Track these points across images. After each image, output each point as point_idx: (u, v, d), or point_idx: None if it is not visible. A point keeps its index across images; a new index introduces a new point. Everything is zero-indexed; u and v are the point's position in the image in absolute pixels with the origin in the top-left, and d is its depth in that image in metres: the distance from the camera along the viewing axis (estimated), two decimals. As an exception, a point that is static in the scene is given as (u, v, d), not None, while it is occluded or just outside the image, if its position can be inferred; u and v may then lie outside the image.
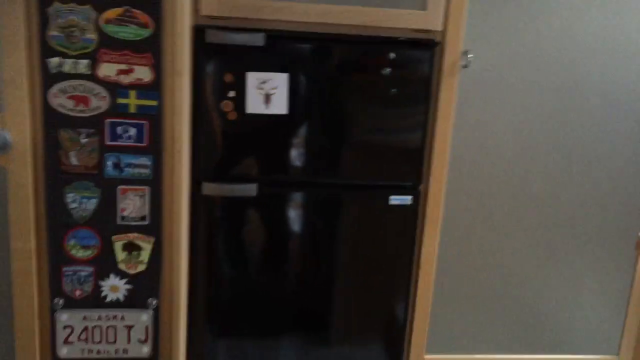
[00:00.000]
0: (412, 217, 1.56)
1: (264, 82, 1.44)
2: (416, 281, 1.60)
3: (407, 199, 1.54)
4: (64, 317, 1.41)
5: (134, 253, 1.40)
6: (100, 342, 1.44)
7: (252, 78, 1.43)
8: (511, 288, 1.91)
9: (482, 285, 1.87)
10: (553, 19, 1.70)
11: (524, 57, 1.72)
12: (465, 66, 1.49)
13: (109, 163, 1.35)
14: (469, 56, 1.48)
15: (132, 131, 1.35)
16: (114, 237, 1.39)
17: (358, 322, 1.64)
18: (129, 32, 1.30)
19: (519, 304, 1.93)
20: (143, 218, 1.39)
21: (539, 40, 1.71)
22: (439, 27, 1.45)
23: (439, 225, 1.56)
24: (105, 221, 1.38)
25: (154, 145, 1.36)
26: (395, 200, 1.54)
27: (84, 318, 1.42)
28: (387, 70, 1.47)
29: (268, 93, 1.44)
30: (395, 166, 1.53)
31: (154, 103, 1.34)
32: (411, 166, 1.53)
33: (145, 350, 1.46)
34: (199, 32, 1.39)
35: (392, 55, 1.46)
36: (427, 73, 1.48)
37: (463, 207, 1.78)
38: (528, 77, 1.73)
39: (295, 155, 1.50)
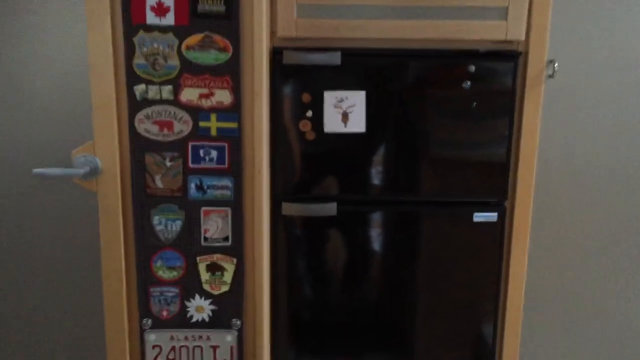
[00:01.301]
0: (498, 235, 1.50)
1: (341, 101, 1.43)
2: (504, 301, 1.54)
3: (492, 216, 1.48)
4: (152, 337, 1.45)
5: (217, 274, 1.42)
6: (187, 362, 1.46)
7: (330, 97, 1.43)
8: (605, 308, 1.80)
9: (575, 305, 1.78)
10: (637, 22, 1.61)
11: (609, 63, 1.63)
12: (551, 76, 1.42)
13: (192, 185, 1.38)
14: (555, 66, 1.42)
15: (214, 153, 1.37)
16: (198, 258, 1.42)
17: (443, 343, 1.59)
18: (209, 57, 1.32)
19: (614, 325, 1.82)
20: (225, 239, 1.41)
21: (624, 45, 1.63)
22: (522, 37, 1.40)
23: (527, 243, 1.49)
24: (189, 242, 1.41)
25: (235, 167, 1.38)
26: (479, 217, 1.48)
27: (171, 338, 1.45)
28: (467, 84, 1.42)
29: (345, 112, 1.43)
30: (479, 182, 1.48)
31: (234, 125, 1.36)
32: (496, 182, 1.47)
33: (230, 370, 1.47)
34: (275, 54, 1.41)
35: (472, 68, 1.42)
36: (510, 85, 1.43)
37: (550, 224, 1.70)
38: (616, 84, 1.64)
39: (375, 173, 1.48)
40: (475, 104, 1.43)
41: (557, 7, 1.54)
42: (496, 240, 1.51)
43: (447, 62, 1.44)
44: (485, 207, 1.49)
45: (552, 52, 1.41)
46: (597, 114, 1.65)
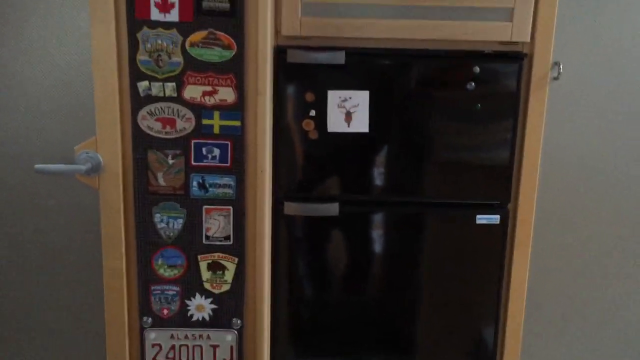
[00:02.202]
0: (500, 237, 1.49)
1: (344, 100, 1.42)
2: (506, 304, 1.53)
3: (495, 218, 1.47)
4: (152, 336, 1.44)
5: (219, 273, 1.42)
6: (187, 361, 1.46)
7: (333, 96, 1.42)
8: (608, 312, 1.80)
9: (577, 308, 1.77)
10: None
11: (614, 65, 1.63)
12: (556, 78, 1.42)
13: (195, 183, 1.38)
14: (560, 67, 1.41)
15: (216, 152, 1.37)
16: (199, 257, 1.41)
17: (443, 345, 1.58)
18: (213, 54, 1.32)
19: (616, 330, 1.81)
20: (227, 238, 1.40)
21: (630, 47, 1.62)
22: (527, 39, 1.40)
23: (530, 246, 1.49)
24: (191, 241, 1.40)
25: (237, 165, 1.37)
26: (482, 219, 1.48)
27: (172, 337, 1.44)
28: (472, 85, 1.42)
29: (349, 111, 1.42)
30: (482, 184, 1.47)
31: (237, 123, 1.35)
32: (499, 184, 1.47)
33: (230, 370, 1.47)
34: (279, 52, 1.40)
35: (476, 69, 1.41)
36: (515, 87, 1.42)
37: (553, 225, 1.70)
38: (621, 85, 1.64)
39: (377, 174, 1.47)
40: (479, 105, 1.43)
41: (563, 8, 1.54)
42: (498, 242, 1.50)
43: (452, 63, 1.43)
44: (488, 209, 1.48)
45: (557, 54, 1.40)
46: (602, 117, 1.65)
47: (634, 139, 1.68)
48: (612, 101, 1.66)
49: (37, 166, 1.34)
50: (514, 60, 1.42)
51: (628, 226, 1.73)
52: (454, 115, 1.45)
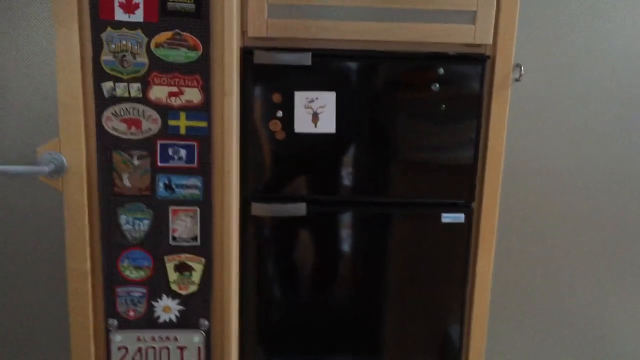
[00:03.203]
0: (465, 236, 1.52)
1: (311, 101, 1.43)
2: (471, 302, 1.56)
3: (459, 217, 1.50)
4: (118, 338, 1.43)
5: (186, 274, 1.41)
6: (154, 363, 1.45)
7: (300, 97, 1.43)
8: (570, 308, 1.84)
9: (540, 305, 1.81)
10: (604, 24, 1.65)
11: (576, 66, 1.67)
12: (517, 80, 1.45)
13: (161, 184, 1.37)
14: (521, 70, 1.44)
15: (183, 152, 1.36)
16: (166, 258, 1.40)
17: (411, 344, 1.60)
18: (179, 55, 1.31)
19: (579, 325, 1.85)
20: (194, 239, 1.40)
21: (590, 48, 1.67)
22: (489, 41, 1.42)
23: (494, 244, 1.52)
24: (157, 242, 1.39)
25: (204, 166, 1.37)
26: (447, 218, 1.50)
27: (138, 339, 1.43)
28: (436, 87, 1.44)
29: (316, 112, 1.43)
30: (447, 184, 1.50)
31: (203, 124, 1.35)
32: (463, 183, 1.49)
33: (197, 371, 1.46)
34: (246, 53, 1.40)
35: (440, 70, 1.44)
36: (478, 88, 1.45)
37: (517, 225, 1.73)
38: (581, 87, 1.68)
39: (344, 174, 1.49)
40: (444, 106, 1.45)
41: (524, 12, 1.58)
42: (463, 241, 1.53)
43: (417, 64, 1.45)
44: (453, 208, 1.51)
45: (519, 57, 1.43)
46: (563, 117, 1.69)
47: (594, 140, 1.72)
48: (574, 103, 1.70)
49: (-3, 167, 1.32)
50: (477, 62, 1.44)
51: (589, 224, 1.77)
52: (420, 116, 1.47)
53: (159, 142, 1.35)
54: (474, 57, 1.44)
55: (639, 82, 1.69)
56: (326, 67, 1.43)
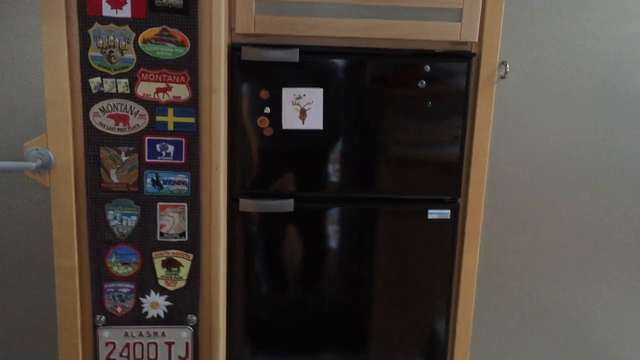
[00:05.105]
0: (451, 231, 1.53)
1: (299, 98, 1.44)
2: (457, 297, 1.57)
3: (445, 213, 1.52)
4: (106, 334, 1.43)
5: (174, 269, 1.41)
6: (141, 358, 1.44)
7: (288, 94, 1.44)
8: (555, 304, 1.86)
9: (525, 301, 1.83)
10: (591, 21, 1.67)
11: (562, 64, 1.69)
12: (503, 77, 1.47)
13: (149, 180, 1.37)
14: (506, 67, 1.46)
15: (171, 148, 1.36)
16: (154, 254, 1.40)
17: (397, 339, 1.62)
18: (166, 51, 1.31)
19: (564, 322, 1.88)
20: (182, 234, 1.40)
21: (576, 46, 1.69)
22: (475, 39, 1.44)
23: (479, 239, 1.53)
24: (145, 238, 1.39)
25: (192, 162, 1.37)
26: (433, 214, 1.52)
27: (126, 335, 1.43)
28: (423, 84, 1.45)
29: (303, 109, 1.44)
30: (433, 180, 1.51)
31: (191, 120, 1.35)
32: (449, 179, 1.51)
33: (185, 366, 1.46)
34: (234, 50, 1.41)
35: (427, 68, 1.45)
36: (464, 85, 1.46)
37: (502, 221, 1.75)
38: (569, 84, 1.70)
39: (332, 170, 1.50)
40: (430, 103, 1.47)
41: (509, 10, 1.59)
42: (449, 236, 1.54)
43: (404, 61, 1.46)
44: (439, 204, 1.52)
45: (505, 54, 1.45)
46: (548, 115, 1.71)
47: (579, 137, 1.74)
48: (559, 100, 1.71)
49: (-16, 163, 1.31)
50: (463, 59, 1.46)
51: (573, 221, 1.80)
52: (406, 113, 1.48)
53: (146, 138, 1.35)
54: (460, 55, 1.46)
55: (625, 80, 1.72)
56: (313, 64, 1.44)
